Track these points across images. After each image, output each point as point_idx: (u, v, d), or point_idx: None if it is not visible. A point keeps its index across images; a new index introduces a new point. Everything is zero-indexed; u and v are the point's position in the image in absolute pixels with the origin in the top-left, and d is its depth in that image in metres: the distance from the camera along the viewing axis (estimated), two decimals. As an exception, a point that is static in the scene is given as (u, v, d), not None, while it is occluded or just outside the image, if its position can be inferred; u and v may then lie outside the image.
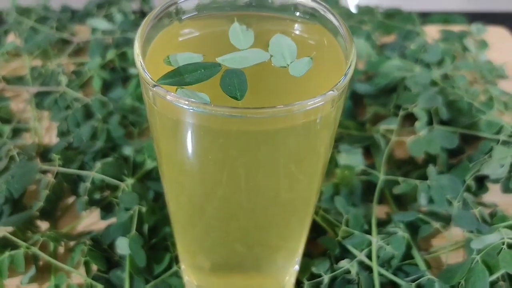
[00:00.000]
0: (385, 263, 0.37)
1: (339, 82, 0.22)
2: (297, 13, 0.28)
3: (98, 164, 0.41)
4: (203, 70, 0.24)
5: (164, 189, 0.31)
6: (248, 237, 0.31)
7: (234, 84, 0.23)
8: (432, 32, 0.62)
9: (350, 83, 0.24)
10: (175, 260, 0.38)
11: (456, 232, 0.40)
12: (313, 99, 0.21)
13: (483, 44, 0.60)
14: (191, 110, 0.21)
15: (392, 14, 0.64)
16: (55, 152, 0.43)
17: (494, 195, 0.44)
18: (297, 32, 0.28)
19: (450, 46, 0.58)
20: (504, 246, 0.34)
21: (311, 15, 0.28)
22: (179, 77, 0.23)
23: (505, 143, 0.43)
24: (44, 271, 0.38)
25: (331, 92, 0.21)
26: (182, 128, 0.23)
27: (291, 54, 0.25)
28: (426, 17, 0.66)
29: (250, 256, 0.33)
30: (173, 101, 0.21)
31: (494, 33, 0.63)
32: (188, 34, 0.28)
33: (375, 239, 0.37)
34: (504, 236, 0.35)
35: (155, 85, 0.21)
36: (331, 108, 0.23)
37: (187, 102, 0.21)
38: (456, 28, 0.63)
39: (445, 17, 0.66)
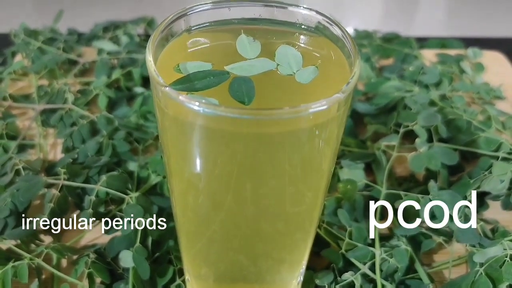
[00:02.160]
0: (388, 276, 0.37)
1: (345, 86, 0.23)
2: (303, 26, 0.29)
3: (103, 177, 0.41)
4: (212, 77, 0.25)
5: (172, 200, 0.31)
6: (253, 248, 0.31)
7: (242, 90, 0.24)
8: (429, 55, 0.64)
9: (354, 91, 0.25)
10: (179, 273, 0.38)
11: (458, 248, 0.40)
12: (320, 102, 0.22)
13: (480, 67, 0.61)
14: (202, 111, 0.22)
15: (390, 39, 0.66)
16: (60, 166, 0.43)
17: (494, 212, 0.44)
18: (302, 45, 0.29)
19: (447, 68, 0.59)
20: (507, 259, 0.35)
21: (317, 28, 0.29)
22: (189, 83, 0.24)
23: (504, 159, 0.43)
24: (47, 285, 0.38)
25: (337, 95, 0.22)
26: (192, 130, 0.24)
27: (297, 63, 0.26)
28: (423, 42, 0.68)
29: (254, 267, 0.33)
30: (185, 102, 0.22)
31: (490, 57, 0.64)
32: (196, 45, 0.29)
33: (378, 252, 0.37)
34: (507, 248, 0.35)
35: (167, 87, 0.22)
36: (336, 112, 0.23)
37: (198, 103, 0.21)
38: (452, 52, 0.65)
39: (442, 42, 0.68)
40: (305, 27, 0.29)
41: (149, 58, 0.24)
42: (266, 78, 0.26)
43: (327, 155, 0.26)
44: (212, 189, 0.27)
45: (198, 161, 0.25)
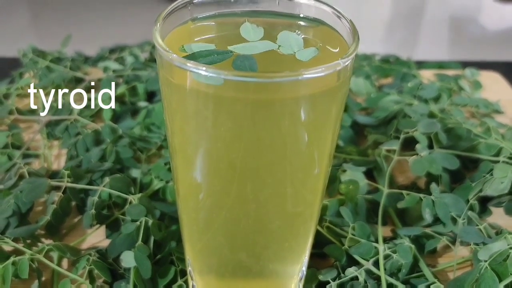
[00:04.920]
0: (392, 275, 0.36)
1: (345, 54, 0.23)
2: (302, 16, 0.30)
3: (106, 179, 0.42)
4: (216, 55, 0.26)
5: (176, 193, 0.31)
6: (255, 236, 0.31)
7: (245, 65, 0.25)
8: (427, 75, 0.65)
9: (353, 64, 0.25)
10: (181, 274, 0.37)
11: (462, 251, 0.40)
12: (321, 67, 0.22)
13: (478, 85, 0.63)
14: (209, 76, 0.22)
15: (389, 60, 0.68)
16: (64, 169, 0.43)
17: (497, 218, 0.44)
18: (305, 34, 0.29)
19: (446, 85, 0.60)
20: (512, 252, 0.34)
21: (318, 19, 0.30)
22: (193, 60, 0.25)
23: (505, 163, 0.43)
24: (47, 285, 0.37)
25: (337, 61, 0.23)
26: (196, 99, 0.24)
27: (298, 45, 0.27)
28: (421, 64, 0.70)
29: (256, 259, 0.32)
30: (192, 68, 0.22)
31: (487, 77, 0.66)
32: (200, 32, 0.30)
33: (382, 248, 0.36)
34: (511, 242, 0.35)
35: (174, 54, 0.23)
36: (337, 81, 0.24)
37: (204, 68, 0.22)
38: (450, 72, 0.66)
39: (440, 64, 0.70)
40: (309, 18, 0.30)
41: (157, 30, 0.25)
42: (268, 59, 0.27)
43: (327, 129, 0.26)
44: (216, 167, 0.27)
45: (202, 135, 0.26)
